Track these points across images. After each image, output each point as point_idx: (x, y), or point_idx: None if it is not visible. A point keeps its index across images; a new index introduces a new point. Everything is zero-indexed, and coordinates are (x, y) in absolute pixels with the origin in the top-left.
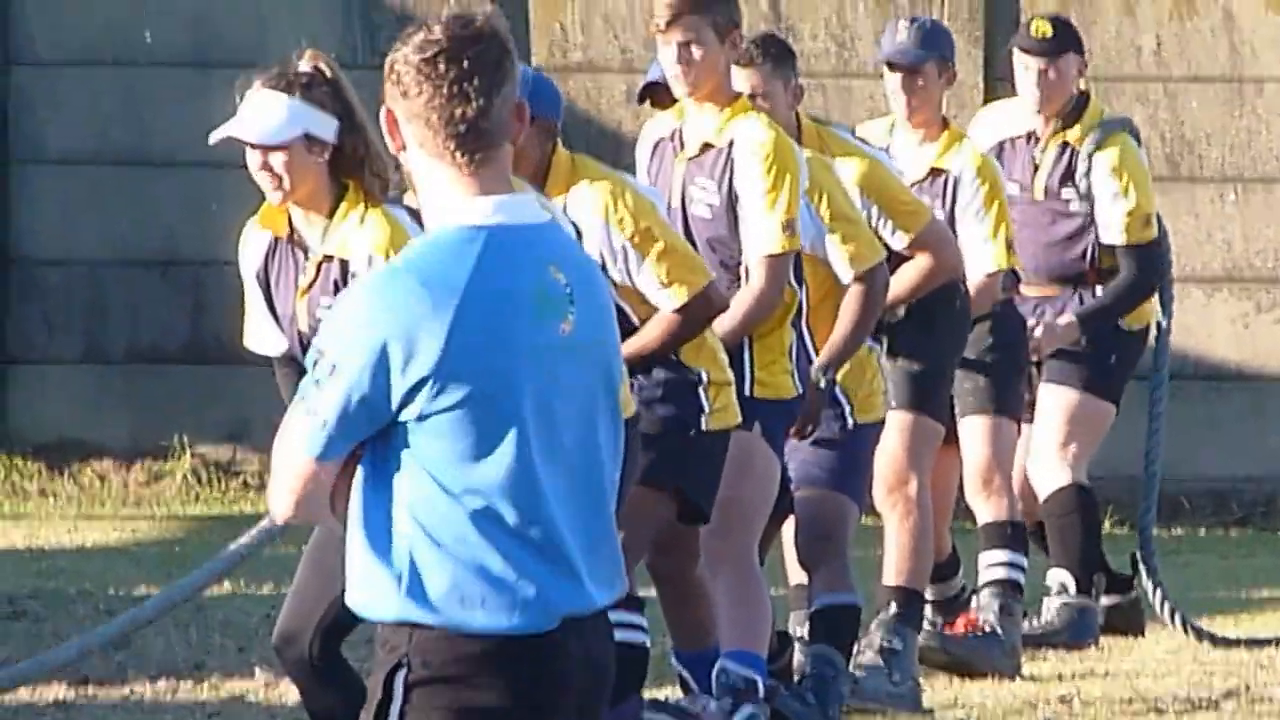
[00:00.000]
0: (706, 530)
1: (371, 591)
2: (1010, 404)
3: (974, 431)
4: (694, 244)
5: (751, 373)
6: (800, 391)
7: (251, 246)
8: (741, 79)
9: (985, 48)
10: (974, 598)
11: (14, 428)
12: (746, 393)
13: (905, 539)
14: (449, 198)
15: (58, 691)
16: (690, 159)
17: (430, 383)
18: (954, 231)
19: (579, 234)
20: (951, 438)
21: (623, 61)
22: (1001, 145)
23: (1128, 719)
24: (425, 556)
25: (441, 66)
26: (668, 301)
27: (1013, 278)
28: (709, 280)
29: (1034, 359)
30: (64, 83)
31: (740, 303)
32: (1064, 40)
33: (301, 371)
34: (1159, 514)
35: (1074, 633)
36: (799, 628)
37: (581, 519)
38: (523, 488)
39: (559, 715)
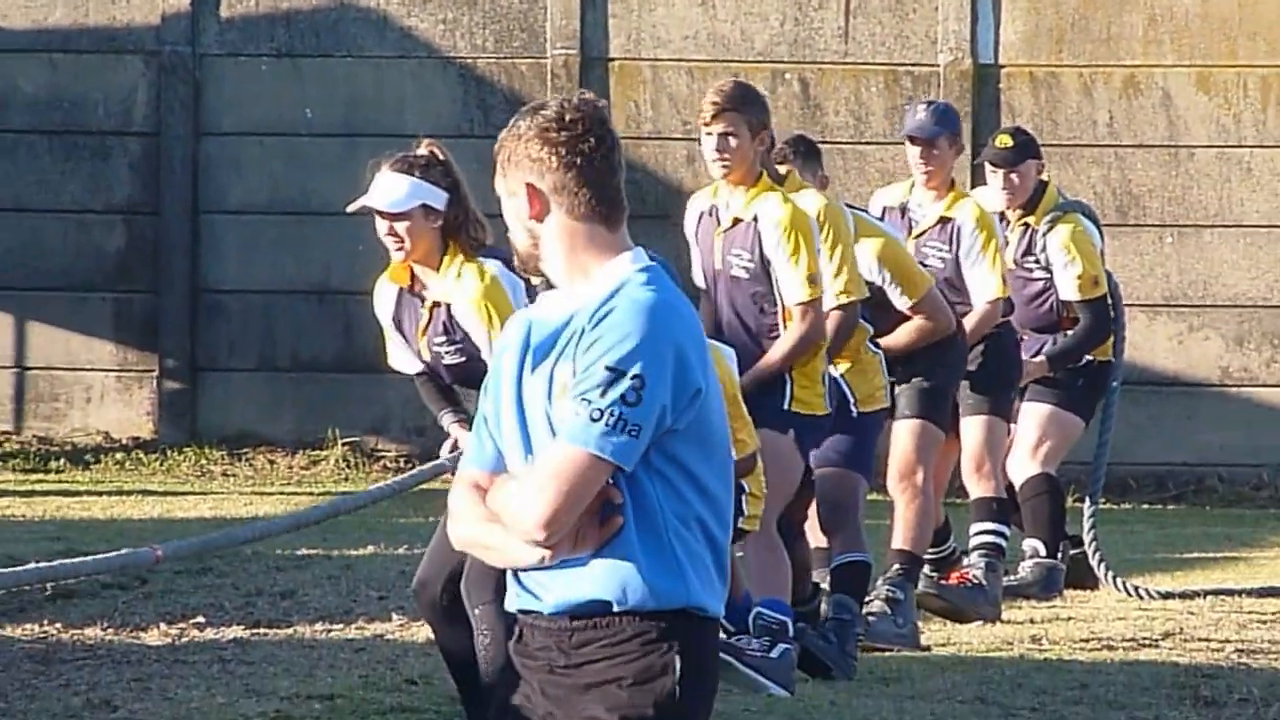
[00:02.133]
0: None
1: (633, 586)
2: (1002, 408)
3: (972, 428)
4: (736, 299)
5: (792, 392)
6: (830, 410)
7: (384, 296)
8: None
9: (972, 123)
10: (964, 557)
11: (202, 424)
12: (785, 407)
13: (910, 516)
14: (600, 253)
15: (235, 631)
16: (724, 231)
17: (699, 392)
18: (959, 269)
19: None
20: (950, 435)
21: (684, 131)
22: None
23: (1085, 654)
24: (680, 553)
25: (587, 144)
26: None
27: (1009, 305)
28: None
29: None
30: (243, 150)
31: (787, 340)
32: (1023, 150)
33: (437, 383)
34: (1111, 493)
35: (1044, 587)
36: (821, 582)
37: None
38: (724, 489)
39: None
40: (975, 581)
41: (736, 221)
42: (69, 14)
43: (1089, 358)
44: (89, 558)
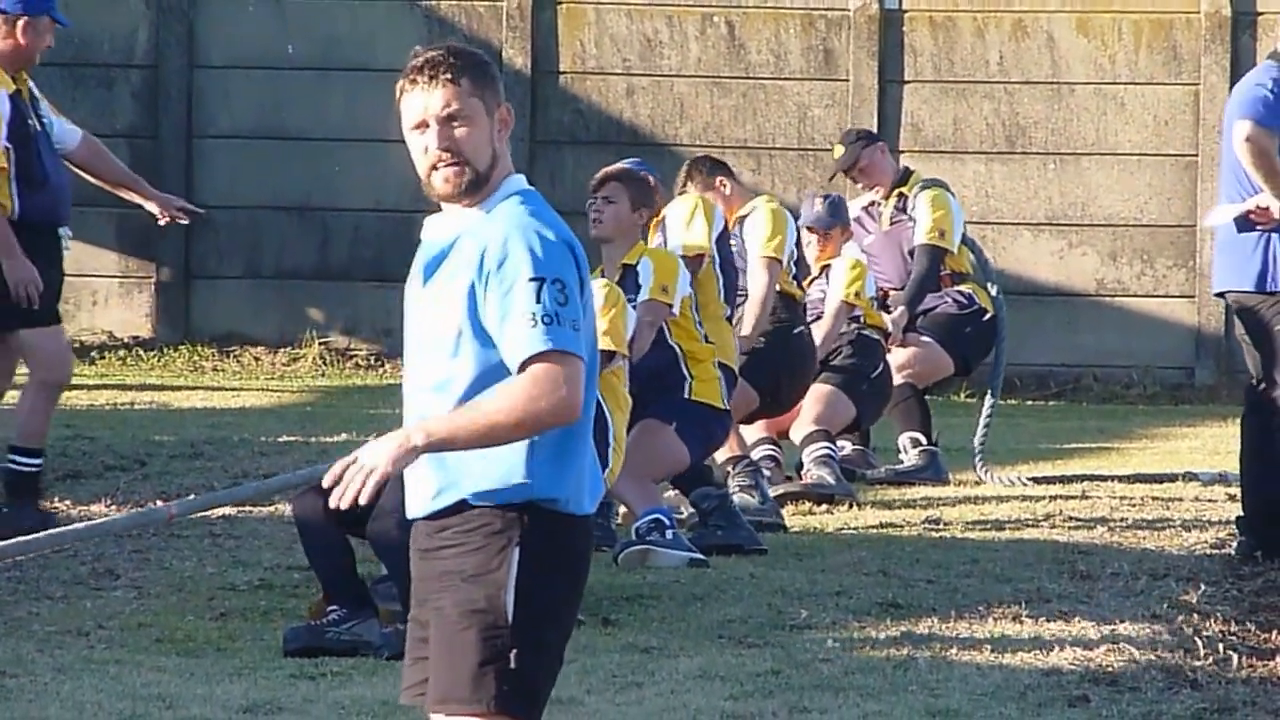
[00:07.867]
0: (632, 460)
1: (479, 477)
2: (849, 384)
3: (814, 393)
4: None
5: (691, 387)
6: (726, 407)
7: None
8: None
9: (879, 61)
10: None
11: (195, 324)
12: (686, 396)
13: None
14: (511, 174)
15: (224, 509)
16: (619, 280)
17: (583, 284)
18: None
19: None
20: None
21: (624, 67)
22: (859, 216)
23: (976, 533)
24: (538, 446)
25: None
26: None
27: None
28: None
29: (893, 345)
30: (231, 81)
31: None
32: (857, 146)
33: None
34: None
35: (933, 472)
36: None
37: None
38: (591, 385)
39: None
40: (819, 479)
41: (626, 267)
42: None
43: (980, 310)
44: (107, 519)
